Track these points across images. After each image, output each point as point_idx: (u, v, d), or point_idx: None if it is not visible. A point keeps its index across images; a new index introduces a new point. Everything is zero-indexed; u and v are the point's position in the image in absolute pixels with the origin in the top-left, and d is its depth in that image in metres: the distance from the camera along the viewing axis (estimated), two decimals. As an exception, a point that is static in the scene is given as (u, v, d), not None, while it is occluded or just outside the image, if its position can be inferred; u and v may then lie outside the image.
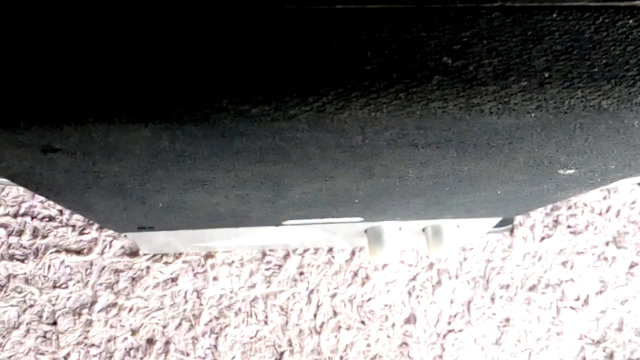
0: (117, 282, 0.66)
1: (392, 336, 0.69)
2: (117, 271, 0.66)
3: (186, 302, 0.67)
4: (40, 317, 0.65)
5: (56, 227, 0.66)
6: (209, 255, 0.68)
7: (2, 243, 0.65)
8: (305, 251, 0.69)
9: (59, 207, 0.67)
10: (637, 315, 0.73)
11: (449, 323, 0.70)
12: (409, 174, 0.29)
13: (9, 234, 0.66)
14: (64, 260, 0.66)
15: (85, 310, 0.65)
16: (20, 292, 0.65)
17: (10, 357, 0.63)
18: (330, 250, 0.69)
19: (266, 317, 0.67)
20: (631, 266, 0.74)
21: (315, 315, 0.68)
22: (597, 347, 0.72)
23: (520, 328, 0.71)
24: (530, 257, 0.72)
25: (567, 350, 0.71)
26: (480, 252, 0.72)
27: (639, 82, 0.22)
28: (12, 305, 0.64)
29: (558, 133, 0.23)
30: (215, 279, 0.67)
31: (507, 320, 0.71)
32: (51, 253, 0.66)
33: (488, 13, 0.22)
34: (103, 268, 0.66)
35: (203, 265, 0.67)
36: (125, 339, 0.65)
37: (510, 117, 0.21)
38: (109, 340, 0.65)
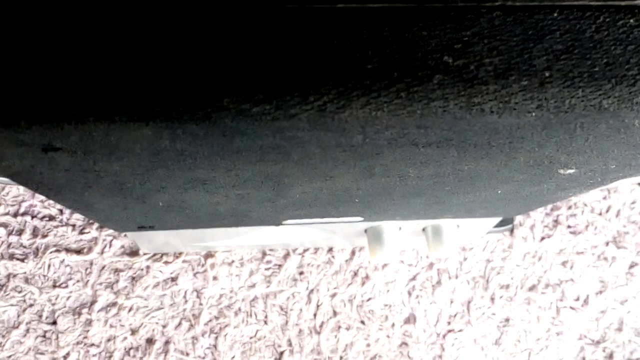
0: (117, 281, 0.66)
1: (392, 336, 0.69)
2: (117, 271, 0.66)
3: (186, 301, 0.67)
4: (40, 316, 0.65)
5: (56, 227, 0.66)
6: (208, 255, 0.68)
7: (2, 242, 0.65)
8: (305, 251, 0.69)
9: (59, 206, 0.67)
10: (637, 316, 0.73)
11: (449, 323, 0.70)
12: (409, 174, 0.29)
13: (9, 233, 0.66)
14: (63, 260, 0.66)
15: (85, 310, 0.65)
16: (20, 292, 0.65)
17: (9, 356, 0.63)
18: (330, 250, 0.69)
19: (266, 316, 0.67)
20: (631, 266, 0.74)
21: (315, 315, 0.68)
22: (597, 347, 0.72)
23: (520, 328, 0.71)
24: (530, 257, 0.72)
25: (566, 350, 0.71)
26: (480, 252, 0.72)
27: (639, 81, 0.22)
28: (11, 305, 0.64)
29: (559, 132, 0.23)
30: (215, 278, 0.67)
31: (507, 320, 0.71)
32: (51, 252, 0.66)
33: (489, 12, 0.22)
34: (103, 267, 0.66)
35: (203, 265, 0.67)
36: (125, 338, 0.65)
37: (511, 116, 0.21)
38: (108, 340, 0.65)
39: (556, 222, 0.74)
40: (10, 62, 0.20)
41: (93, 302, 0.65)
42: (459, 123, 0.22)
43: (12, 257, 0.65)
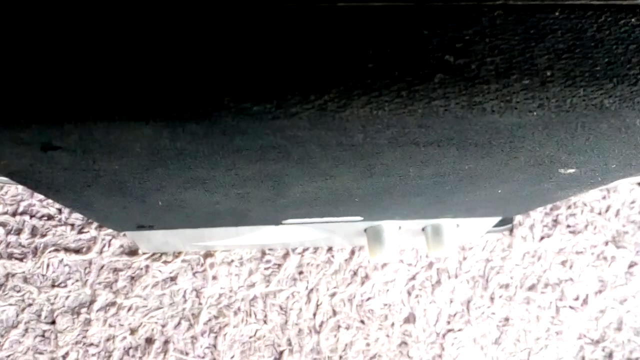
0: (116, 281, 0.66)
1: (392, 335, 0.69)
2: (116, 270, 0.66)
3: (185, 301, 0.66)
4: (39, 316, 0.64)
5: (55, 226, 0.66)
6: (208, 255, 0.67)
7: (1, 241, 0.65)
8: (304, 250, 0.69)
9: (57, 205, 0.67)
10: (636, 315, 0.73)
11: (449, 322, 0.70)
12: (409, 173, 0.29)
13: (8, 233, 0.66)
14: (62, 259, 0.66)
15: (84, 310, 0.65)
16: (18, 291, 0.65)
17: (8, 356, 0.63)
18: (329, 249, 0.69)
19: (265, 316, 0.67)
20: (630, 266, 0.74)
21: (314, 315, 0.68)
22: (596, 346, 0.72)
23: (519, 327, 0.71)
24: (529, 256, 0.72)
25: (566, 349, 0.71)
26: (480, 251, 0.72)
27: (641, 80, 0.22)
28: (10, 304, 0.64)
29: (559, 132, 0.23)
30: (214, 278, 0.67)
31: (507, 319, 0.71)
32: (50, 252, 0.66)
33: (490, 11, 0.21)
34: (102, 267, 0.66)
35: (202, 265, 0.67)
36: (124, 338, 0.65)
37: (512, 115, 0.21)
38: (107, 340, 0.65)
39: (556, 221, 0.74)
40: (10, 61, 0.20)
41: (92, 302, 0.65)
42: (460, 122, 0.22)
43: (10, 256, 0.65)
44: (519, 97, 0.21)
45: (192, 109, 0.20)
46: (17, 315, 0.64)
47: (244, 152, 0.24)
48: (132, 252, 0.67)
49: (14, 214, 0.66)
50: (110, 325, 0.65)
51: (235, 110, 0.20)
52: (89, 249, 0.66)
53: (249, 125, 0.21)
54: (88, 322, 0.65)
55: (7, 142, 0.21)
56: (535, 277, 0.72)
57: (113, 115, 0.20)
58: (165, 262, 0.67)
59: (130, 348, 0.65)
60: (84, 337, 0.65)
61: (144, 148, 0.23)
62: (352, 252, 0.69)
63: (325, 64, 0.21)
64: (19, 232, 0.66)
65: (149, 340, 0.65)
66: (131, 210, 0.37)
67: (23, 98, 0.20)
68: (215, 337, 0.66)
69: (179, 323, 0.66)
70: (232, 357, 0.66)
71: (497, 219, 0.54)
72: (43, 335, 0.64)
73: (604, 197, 0.75)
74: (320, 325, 0.68)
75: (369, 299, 0.69)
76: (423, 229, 0.56)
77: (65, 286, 0.65)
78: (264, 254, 0.68)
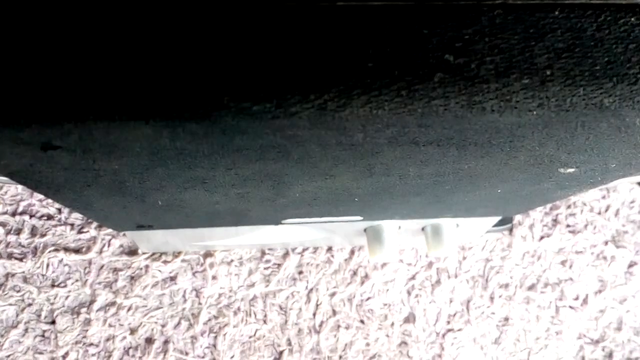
0: (116, 281, 0.66)
1: (391, 335, 0.69)
2: (115, 270, 0.66)
3: (185, 301, 0.66)
4: (39, 316, 0.64)
5: (55, 226, 0.66)
6: (208, 254, 0.67)
7: (1, 241, 0.65)
8: (304, 250, 0.69)
9: (57, 205, 0.67)
10: (636, 315, 0.73)
11: (448, 322, 0.70)
12: (409, 172, 0.29)
13: (8, 233, 0.66)
14: (62, 259, 0.66)
15: (83, 309, 0.65)
16: (18, 291, 0.65)
17: (8, 356, 0.63)
18: (329, 249, 0.69)
19: (265, 316, 0.67)
20: (630, 265, 0.74)
21: (314, 315, 0.68)
22: (596, 346, 0.72)
23: (519, 327, 0.71)
24: (529, 256, 0.72)
25: (566, 349, 0.71)
26: (480, 251, 0.72)
27: (640, 80, 0.22)
28: (10, 304, 0.64)
29: (559, 131, 0.23)
30: (214, 278, 0.67)
31: (506, 319, 0.71)
32: (50, 252, 0.66)
33: (490, 10, 0.21)
34: (102, 267, 0.66)
35: (202, 264, 0.67)
36: (124, 338, 0.65)
37: (512, 115, 0.21)
38: (107, 340, 0.65)
39: (555, 221, 0.74)
40: (10, 61, 0.20)
41: (92, 302, 0.65)
42: (459, 121, 0.22)
43: (10, 256, 0.65)
44: (518, 97, 0.21)
45: (192, 109, 0.20)
46: (17, 315, 0.64)
47: (244, 151, 0.24)
48: (132, 251, 0.67)
49: (13, 214, 0.66)
50: (110, 325, 0.65)
51: (235, 110, 0.20)
52: (88, 248, 0.66)
53: (248, 124, 0.21)
54: (88, 322, 0.65)
55: (7, 141, 0.21)
56: (535, 277, 0.72)
57: (113, 115, 0.20)
58: (165, 261, 0.67)
59: (130, 348, 0.65)
60: (84, 337, 0.65)
61: (143, 148, 0.23)
62: (352, 252, 0.69)
63: (325, 64, 0.21)
64: (18, 232, 0.66)
65: (149, 340, 0.65)
66: (131, 210, 0.37)
67: (23, 98, 0.20)
68: (215, 337, 0.66)
69: (179, 323, 0.66)
70: (232, 357, 0.66)
71: (496, 219, 0.54)
72: (43, 335, 0.64)
73: (603, 197, 0.75)
74: (320, 325, 0.68)
75: (368, 298, 0.69)
76: (423, 229, 0.56)
77: (65, 286, 0.65)
78: (263, 253, 0.68)
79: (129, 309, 0.66)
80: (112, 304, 0.65)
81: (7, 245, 0.65)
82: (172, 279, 0.67)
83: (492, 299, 0.71)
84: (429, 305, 0.70)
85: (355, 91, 0.20)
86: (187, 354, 0.66)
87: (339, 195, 0.35)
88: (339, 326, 0.68)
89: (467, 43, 0.21)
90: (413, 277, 0.70)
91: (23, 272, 0.65)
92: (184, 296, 0.67)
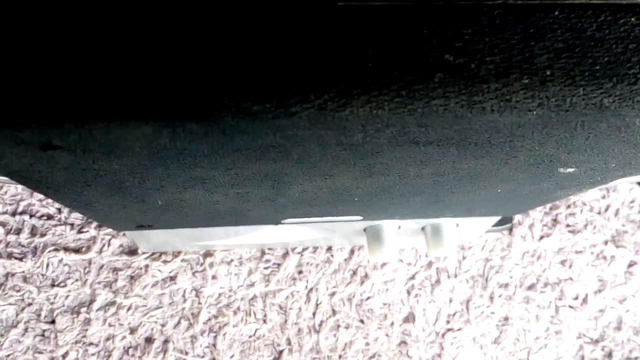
0: (116, 280, 0.66)
1: (391, 335, 0.69)
2: (115, 270, 0.66)
3: (185, 300, 0.67)
4: (39, 315, 0.64)
5: (55, 226, 0.66)
6: (207, 254, 0.67)
7: (1, 241, 0.65)
8: (304, 250, 0.69)
9: (57, 205, 0.67)
10: (635, 314, 0.73)
11: (448, 322, 0.70)
12: (409, 172, 0.29)
13: (7, 232, 0.66)
14: (62, 259, 0.66)
15: (83, 309, 0.65)
16: (18, 291, 0.65)
17: (8, 355, 0.63)
18: (329, 249, 0.69)
19: (265, 315, 0.67)
20: (630, 265, 0.74)
21: (314, 314, 0.68)
22: (596, 346, 0.72)
23: (519, 327, 0.71)
24: (529, 256, 0.72)
25: (565, 349, 0.71)
26: (479, 251, 0.72)
27: (640, 80, 0.22)
28: (10, 304, 0.64)
29: (559, 131, 0.23)
30: (214, 277, 0.67)
31: (506, 319, 0.71)
32: (49, 251, 0.66)
33: (490, 10, 0.21)
34: (101, 266, 0.66)
35: (202, 264, 0.67)
36: (124, 337, 0.65)
37: (512, 114, 0.21)
38: (107, 339, 0.65)
39: (555, 221, 0.74)
40: (9, 60, 0.20)
41: (92, 301, 0.65)
42: (459, 121, 0.22)
43: (10, 256, 0.65)
44: (518, 97, 0.21)
45: (192, 109, 0.20)
46: (17, 315, 0.64)
47: (244, 151, 0.24)
48: (132, 251, 0.67)
49: (13, 214, 0.66)
50: (109, 325, 0.65)
51: (235, 110, 0.20)
52: (88, 248, 0.66)
53: (248, 124, 0.21)
54: (88, 321, 0.65)
55: (7, 141, 0.21)
56: (535, 277, 0.72)
57: (113, 115, 0.20)
58: (164, 261, 0.67)
59: (129, 347, 0.65)
60: (84, 336, 0.65)
61: (143, 147, 0.23)
62: (352, 252, 0.69)
63: (325, 64, 0.21)
64: (18, 231, 0.66)
65: (149, 340, 0.65)
66: (131, 210, 0.37)
67: (23, 98, 0.20)
68: (215, 337, 0.66)
69: (179, 322, 0.66)
70: (232, 356, 0.66)
71: (496, 219, 0.54)
72: (43, 335, 0.64)
73: (603, 197, 0.75)
74: (320, 325, 0.68)
75: (368, 298, 0.69)
76: (422, 229, 0.56)
77: (65, 286, 0.65)
78: (263, 253, 0.68)
79: (128, 309, 0.66)
80: (112, 303, 0.65)
81: (7, 244, 0.65)
82: (172, 278, 0.67)
83: (491, 298, 0.71)
84: (428, 305, 0.70)
85: (355, 91, 0.20)
86: (186, 353, 0.66)
87: (338, 195, 0.35)
88: (338, 326, 0.68)
89: (467, 43, 0.21)
90: (413, 277, 0.70)
91: (23, 271, 0.65)
92: (183, 296, 0.67)
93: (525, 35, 0.21)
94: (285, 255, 0.69)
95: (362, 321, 0.69)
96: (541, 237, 0.73)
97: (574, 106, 0.21)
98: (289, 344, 0.67)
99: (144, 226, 0.47)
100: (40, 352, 0.64)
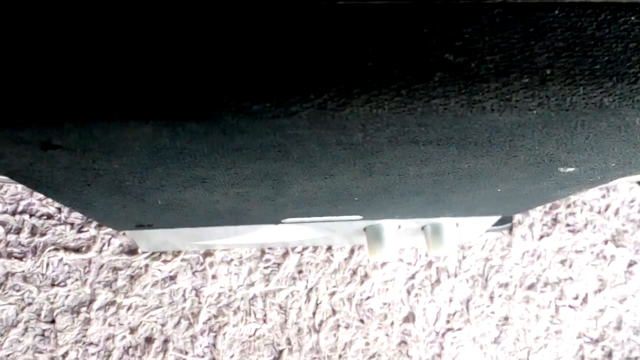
0: (116, 280, 0.66)
1: (391, 335, 0.69)
2: (115, 269, 0.66)
3: (185, 300, 0.67)
4: (39, 315, 0.64)
5: (54, 225, 0.66)
6: (207, 254, 0.67)
7: (1, 241, 0.65)
8: (304, 249, 0.69)
9: (57, 204, 0.67)
10: (635, 314, 0.73)
11: (448, 322, 0.70)
12: (409, 172, 0.29)
13: (7, 232, 0.66)
14: (62, 258, 0.66)
15: (83, 309, 0.65)
16: (18, 290, 0.65)
17: (8, 355, 0.63)
18: (329, 248, 0.69)
19: (265, 315, 0.67)
20: (630, 265, 0.74)
21: (314, 314, 0.68)
22: (596, 345, 0.72)
23: (519, 327, 0.71)
24: (529, 255, 0.72)
25: (565, 348, 0.71)
26: (479, 250, 0.72)
27: (640, 79, 0.22)
28: (10, 304, 0.64)
29: (559, 130, 0.23)
30: (214, 277, 0.67)
31: (506, 318, 0.71)
32: (49, 251, 0.66)
33: (490, 9, 0.21)
34: (101, 266, 0.66)
35: (202, 264, 0.67)
36: (124, 337, 0.65)
37: (512, 114, 0.21)
38: (107, 339, 0.65)
39: (555, 220, 0.74)
40: (9, 60, 0.20)
41: (92, 301, 0.65)
42: (459, 121, 0.22)
43: (10, 255, 0.65)
44: (518, 96, 0.21)
45: (192, 108, 0.20)
46: (17, 315, 0.64)
47: (244, 151, 0.24)
48: (132, 251, 0.67)
49: (13, 213, 0.66)
50: (109, 325, 0.65)
51: (235, 109, 0.20)
52: (88, 248, 0.66)
53: (248, 124, 0.21)
54: (88, 321, 0.65)
55: (7, 141, 0.21)
56: (535, 276, 0.72)
57: (113, 114, 0.20)
58: (164, 261, 0.67)
59: (129, 347, 0.65)
60: (84, 336, 0.65)
61: (143, 147, 0.23)
62: (352, 251, 0.69)
63: (325, 63, 0.21)
64: (18, 231, 0.66)
65: (149, 340, 0.65)
66: (131, 210, 0.37)
67: (23, 97, 0.20)
68: (215, 336, 0.66)
69: (179, 322, 0.66)
70: (232, 356, 0.66)
71: (496, 218, 0.54)
72: (43, 335, 0.64)
73: (603, 196, 0.75)
74: (320, 325, 0.68)
75: (368, 298, 0.69)
76: (422, 228, 0.56)
77: (65, 285, 0.65)
78: (263, 253, 0.68)
79: (128, 308, 0.66)
80: (112, 303, 0.65)
81: (7, 244, 0.65)
82: (172, 278, 0.67)
83: (491, 298, 0.71)
84: (428, 305, 0.70)
85: (355, 90, 0.20)
86: (186, 353, 0.66)
87: (338, 194, 0.35)
88: (338, 325, 0.68)
89: (467, 42, 0.21)
90: (413, 277, 0.70)
91: (23, 271, 0.65)
92: (183, 295, 0.67)
93: (525, 34, 0.21)
94: (285, 254, 0.69)
95: (362, 321, 0.69)
96: (541, 237, 0.73)
97: (574, 105, 0.21)
98: (289, 343, 0.67)
99: (143, 226, 0.47)
100: (40, 352, 0.64)
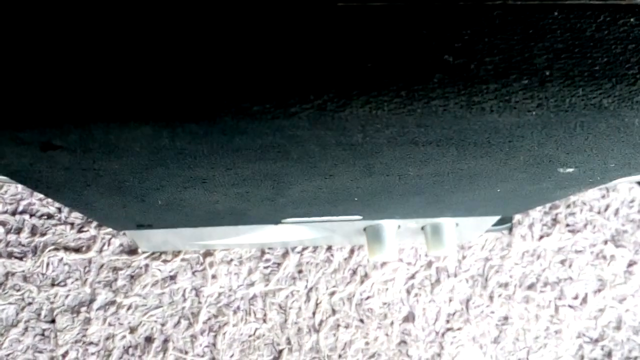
0: (116, 280, 0.66)
1: (391, 334, 0.69)
2: (115, 269, 0.66)
3: (185, 300, 0.67)
4: (39, 315, 0.64)
5: (55, 225, 0.66)
6: (207, 254, 0.68)
7: (1, 240, 0.65)
8: (304, 249, 0.69)
9: (57, 204, 0.67)
10: (635, 314, 0.73)
11: (448, 321, 0.70)
12: (409, 172, 0.29)
13: (8, 232, 0.66)
14: (62, 258, 0.66)
15: (83, 308, 0.65)
16: (18, 290, 0.65)
17: (8, 355, 0.63)
18: (329, 248, 0.69)
19: (265, 315, 0.67)
20: (630, 265, 0.74)
21: (314, 314, 0.68)
22: (596, 345, 0.72)
23: (518, 326, 0.71)
24: (528, 255, 0.72)
25: (565, 348, 0.71)
26: (479, 250, 0.72)
27: (639, 80, 0.22)
28: (10, 303, 0.64)
29: (558, 131, 0.23)
30: (214, 277, 0.67)
31: (506, 318, 0.71)
32: (49, 251, 0.66)
33: (489, 11, 0.21)
34: (101, 266, 0.66)
35: (202, 264, 0.67)
36: (124, 337, 0.65)
37: (511, 115, 0.21)
38: (107, 338, 0.65)
39: (555, 220, 0.74)
40: (9, 60, 0.20)
41: (92, 301, 0.65)
42: (459, 122, 0.22)
43: (10, 255, 0.65)
44: (517, 97, 0.21)
45: (192, 109, 0.20)
46: (17, 314, 0.64)
47: (244, 151, 0.24)
48: (132, 251, 0.67)
49: (13, 213, 0.66)
50: (109, 324, 0.65)
51: (234, 110, 0.20)
52: (88, 247, 0.66)
53: (248, 124, 0.21)
54: (88, 321, 0.65)
55: (7, 141, 0.21)
56: (535, 276, 0.72)
57: (113, 115, 0.20)
58: (164, 261, 0.67)
59: (129, 347, 0.65)
60: (84, 335, 0.65)
61: (143, 147, 0.23)
62: (352, 251, 0.69)
63: (325, 64, 0.21)
64: (18, 231, 0.66)
65: (149, 339, 0.66)
66: (131, 210, 0.37)
67: (23, 98, 0.20)
68: (215, 336, 0.66)
69: (179, 322, 0.66)
70: (232, 356, 0.66)
71: (496, 218, 0.54)
72: (43, 334, 0.64)
73: (603, 196, 0.75)
74: (320, 324, 0.68)
75: (368, 297, 0.69)
76: (422, 228, 0.56)
77: (65, 285, 0.65)
78: (263, 253, 0.68)
79: (128, 308, 0.66)
80: (112, 303, 0.65)
81: (7, 244, 0.65)
82: (172, 278, 0.67)
83: (491, 298, 0.71)
84: (428, 305, 0.70)
85: (354, 91, 0.21)
86: (186, 352, 0.66)
87: (338, 194, 0.35)
88: (338, 325, 0.68)
89: (466, 43, 0.21)
90: (412, 277, 0.70)
91: (23, 271, 0.65)
92: (183, 295, 0.67)
93: (525, 35, 0.21)
94: (285, 254, 0.69)
95: (361, 321, 0.69)
96: (541, 237, 0.73)
97: (573, 107, 0.21)
98: (289, 343, 0.67)
99: (144, 226, 0.47)
100: (40, 352, 0.64)
